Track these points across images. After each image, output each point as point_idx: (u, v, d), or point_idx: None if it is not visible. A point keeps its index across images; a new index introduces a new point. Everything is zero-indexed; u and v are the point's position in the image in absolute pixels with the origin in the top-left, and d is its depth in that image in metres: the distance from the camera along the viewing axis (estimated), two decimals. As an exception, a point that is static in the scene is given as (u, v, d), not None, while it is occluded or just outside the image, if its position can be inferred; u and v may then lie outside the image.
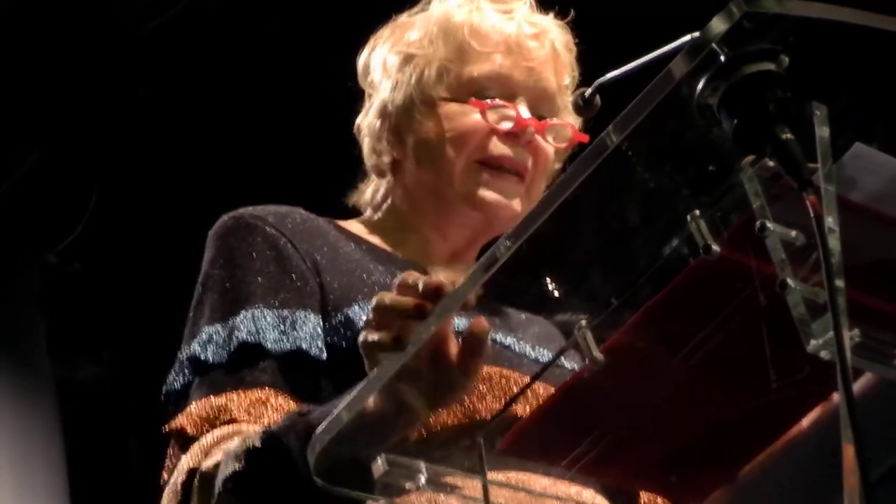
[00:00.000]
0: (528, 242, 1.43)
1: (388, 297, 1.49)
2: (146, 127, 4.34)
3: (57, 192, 4.45)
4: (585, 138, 2.03)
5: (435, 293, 1.48)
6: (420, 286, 1.49)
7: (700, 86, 1.37)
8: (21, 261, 4.60)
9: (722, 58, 1.36)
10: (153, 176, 4.43)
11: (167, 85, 4.25)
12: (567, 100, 2.06)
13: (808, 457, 1.52)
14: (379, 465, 1.51)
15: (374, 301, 1.50)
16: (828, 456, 1.31)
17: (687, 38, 1.62)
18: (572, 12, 2.10)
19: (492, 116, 1.99)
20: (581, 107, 1.94)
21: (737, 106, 1.36)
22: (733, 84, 1.36)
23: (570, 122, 2.05)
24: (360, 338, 1.50)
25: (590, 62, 2.04)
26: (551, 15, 2.09)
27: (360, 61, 2.14)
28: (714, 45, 1.34)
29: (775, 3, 1.33)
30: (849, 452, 1.25)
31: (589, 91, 1.93)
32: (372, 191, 2.13)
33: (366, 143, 2.11)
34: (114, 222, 4.50)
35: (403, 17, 2.13)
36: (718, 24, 1.33)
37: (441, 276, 1.52)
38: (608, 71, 1.90)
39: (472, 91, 2.01)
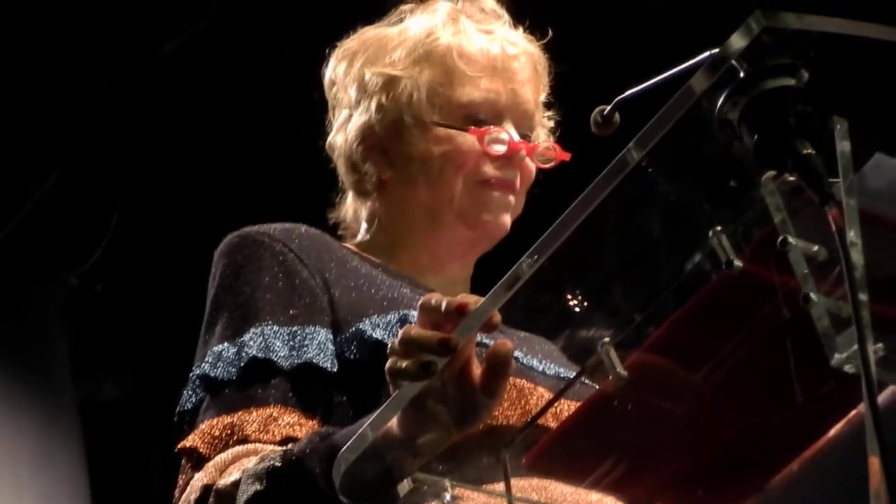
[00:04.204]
0: (549, 259, 1.43)
1: (414, 330, 1.49)
2: (166, 147, 4.35)
3: (77, 214, 4.47)
4: (568, 157, 2.12)
5: (458, 313, 1.48)
6: (443, 307, 1.49)
7: (720, 101, 1.37)
8: (43, 282, 4.61)
9: (742, 73, 1.36)
10: (173, 196, 4.44)
11: (186, 104, 4.26)
12: (542, 116, 2.16)
13: (834, 469, 1.52)
14: (404, 483, 1.52)
15: (400, 334, 1.50)
16: (854, 468, 1.30)
17: (706, 54, 1.62)
18: (549, 32, 2.15)
19: (487, 141, 2.05)
20: (600, 124, 1.95)
21: (757, 121, 1.36)
22: (753, 99, 1.36)
23: (549, 139, 2.14)
24: (387, 365, 1.50)
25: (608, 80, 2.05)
26: (521, 31, 2.14)
27: (327, 73, 2.17)
28: (734, 60, 1.35)
29: (794, 18, 1.33)
30: (874, 464, 1.25)
31: (608, 108, 1.94)
32: (354, 211, 2.16)
33: (343, 163, 2.14)
34: (135, 243, 4.51)
35: (371, 31, 2.16)
36: (738, 40, 1.33)
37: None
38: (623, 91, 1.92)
39: (463, 114, 2.07)
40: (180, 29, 4.14)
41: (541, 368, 1.97)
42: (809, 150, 1.34)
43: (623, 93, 1.92)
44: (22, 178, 4.39)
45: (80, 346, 4.64)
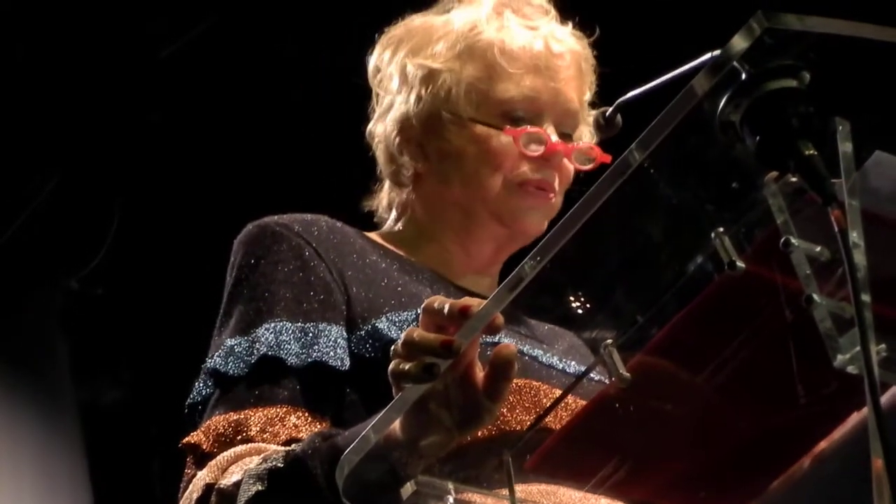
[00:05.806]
0: (552, 261, 1.43)
1: (417, 333, 1.49)
2: (166, 151, 4.35)
3: (77, 217, 4.47)
4: (608, 159, 2.05)
5: (461, 316, 1.48)
6: (445, 310, 1.49)
7: (722, 103, 1.38)
8: (43, 286, 4.61)
9: (743, 75, 1.36)
10: (173, 200, 4.44)
11: (186, 108, 4.27)
12: (587, 114, 2.10)
13: (837, 470, 1.52)
14: (407, 486, 1.52)
15: (402, 336, 1.50)
16: (858, 470, 1.30)
17: (708, 55, 1.62)
18: (597, 30, 2.12)
19: (523, 142, 2.02)
20: (602, 126, 1.95)
21: (759, 122, 1.37)
22: (755, 100, 1.36)
23: (591, 140, 2.08)
24: (390, 367, 1.50)
25: (610, 82, 2.05)
26: (570, 26, 2.10)
27: (372, 60, 2.14)
28: (735, 62, 1.35)
29: (796, 19, 1.33)
30: (878, 466, 1.25)
31: (610, 110, 1.94)
32: (388, 200, 2.14)
33: (381, 151, 2.12)
34: (135, 247, 4.51)
35: (418, 19, 2.13)
36: (739, 42, 1.34)
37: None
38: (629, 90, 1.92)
39: (501, 112, 2.03)
40: (179, 32, 4.14)
41: (561, 367, 1.95)
42: (811, 151, 1.34)
43: (625, 94, 1.91)
44: (22, 181, 4.39)
45: (81, 350, 4.64)
